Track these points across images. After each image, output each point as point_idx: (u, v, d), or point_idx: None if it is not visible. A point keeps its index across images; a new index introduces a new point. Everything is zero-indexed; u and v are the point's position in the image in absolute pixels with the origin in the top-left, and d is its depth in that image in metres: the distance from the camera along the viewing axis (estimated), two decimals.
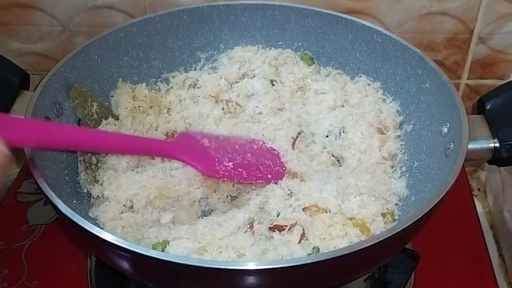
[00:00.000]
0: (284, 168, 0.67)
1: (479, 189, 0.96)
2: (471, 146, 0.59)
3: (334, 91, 0.75)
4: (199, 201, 0.65)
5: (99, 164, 0.68)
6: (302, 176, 0.67)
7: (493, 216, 0.91)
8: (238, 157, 0.65)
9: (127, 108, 0.72)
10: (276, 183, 0.65)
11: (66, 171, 0.64)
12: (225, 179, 0.64)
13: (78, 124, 0.68)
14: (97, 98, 0.71)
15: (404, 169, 0.69)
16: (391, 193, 0.65)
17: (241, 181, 0.65)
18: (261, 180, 0.65)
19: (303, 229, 0.60)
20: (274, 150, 0.69)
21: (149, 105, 0.73)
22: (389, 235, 0.50)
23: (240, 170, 0.64)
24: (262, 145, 0.69)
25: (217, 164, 0.64)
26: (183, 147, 0.64)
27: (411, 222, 0.51)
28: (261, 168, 0.66)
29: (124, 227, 0.61)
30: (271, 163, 0.67)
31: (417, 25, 0.81)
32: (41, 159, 0.59)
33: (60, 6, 0.82)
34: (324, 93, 0.75)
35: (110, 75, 0.73)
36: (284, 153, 0.69)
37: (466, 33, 0.82)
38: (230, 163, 0.64)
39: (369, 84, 0.75)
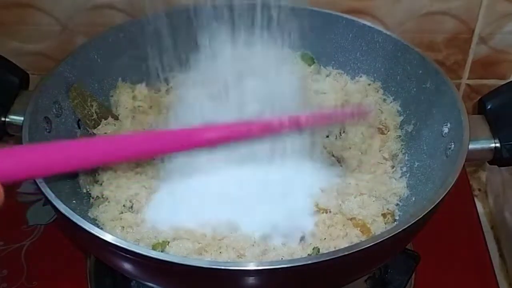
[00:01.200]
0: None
1: (479, 189, 0.96)
2: (471, 146, 0.59)
3: (334, 91, 0.75)
4: None
5: None
6: None
7: (494, 216, 0.91)
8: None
9: (126, 108, 0.72)
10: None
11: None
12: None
13: (78, 124, 0.68)
14: (96, 98, 0.71)
15: (404, 169, 0.68)
16: (392, 193, 0.65)
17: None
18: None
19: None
20: None
21: (149, 105, 0.73)
22: (390, 235, 0.50)
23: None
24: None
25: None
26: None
27: (411, 223, 0.51)
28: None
29: (123, 227, 0.61)
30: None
31: (417, 25, 0.81)
32: None
33: (60, 5, 0.81)
34: (325, 93, 0.75)
35: (110, 74, 0.73)
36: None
37: (467, 33, 0.82)
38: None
39: (369, 84, 0.75)
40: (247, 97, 0.65)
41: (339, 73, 0.77)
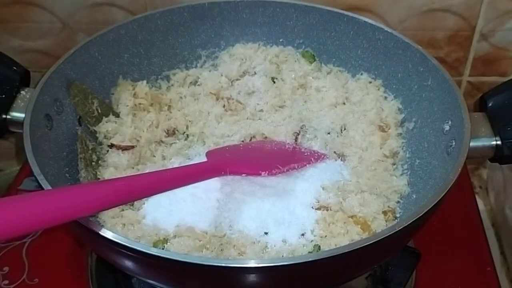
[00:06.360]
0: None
1: (480, 187, 0.96)
2: (472, 144, 0.59)
3: (335, 89, 0.75)
4: None
5: (99, 162, 0.67)
6: None
7: (495, 214, 0.91)
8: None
9: (127, 105, 0.72)
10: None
11: (67, 169, 0.64)
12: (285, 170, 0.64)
13: (79, 121, 0.68)
14: (97, 96, 0.71)
15: (405, 166, 0.68)
16: (393, 191, 0.65)
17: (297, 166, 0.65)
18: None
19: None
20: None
21: (149, 103, 0.73)
22: (390, 233, 0.50)
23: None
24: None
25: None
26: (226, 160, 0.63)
27: (412, 220, 0.51)
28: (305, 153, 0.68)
29: (124, 224, 0.61)
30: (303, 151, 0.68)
31: (418, 22, 0.81)
32: (41, 156, 0.58)
33: (60, 3, 0.81)
34: (325, 90, 0.75)
35: (111, 72, 0.73)
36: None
37: (468, 30, 0.82)
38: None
39: (370, 82, 0.75)
40: None
41: (340, 71, 0.77)
